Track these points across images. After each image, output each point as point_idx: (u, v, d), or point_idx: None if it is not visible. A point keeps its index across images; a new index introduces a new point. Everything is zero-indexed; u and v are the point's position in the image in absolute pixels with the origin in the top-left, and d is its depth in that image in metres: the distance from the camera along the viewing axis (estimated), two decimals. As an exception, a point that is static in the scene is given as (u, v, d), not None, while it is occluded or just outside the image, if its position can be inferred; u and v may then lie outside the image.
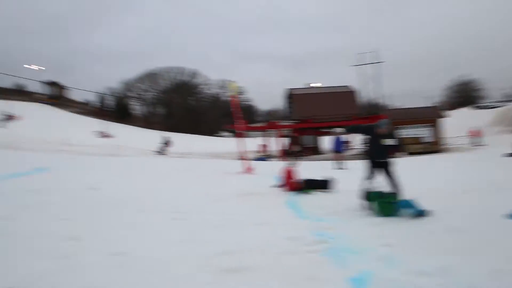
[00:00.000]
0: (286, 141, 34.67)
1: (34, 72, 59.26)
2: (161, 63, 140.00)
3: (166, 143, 27.12)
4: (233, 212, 6.23)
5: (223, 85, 79.76)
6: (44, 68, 65.03)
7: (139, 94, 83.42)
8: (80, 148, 22.50)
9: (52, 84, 70.88)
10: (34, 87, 65.45)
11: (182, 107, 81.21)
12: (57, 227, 4.65)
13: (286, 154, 27.47)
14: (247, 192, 8.21)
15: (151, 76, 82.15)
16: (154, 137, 32.95)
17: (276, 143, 32.04)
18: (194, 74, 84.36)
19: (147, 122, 74.92)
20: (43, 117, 45.31)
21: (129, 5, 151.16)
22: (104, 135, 32.66)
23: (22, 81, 63.27)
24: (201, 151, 32.29)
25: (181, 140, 36.95)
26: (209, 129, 77.41)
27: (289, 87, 40.98)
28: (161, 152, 25.97)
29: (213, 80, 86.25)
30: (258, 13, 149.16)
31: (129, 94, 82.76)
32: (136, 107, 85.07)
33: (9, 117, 28.76)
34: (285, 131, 36.02)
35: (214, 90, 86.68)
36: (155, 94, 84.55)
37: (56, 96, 70.56)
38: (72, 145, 23.47)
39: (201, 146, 36.99)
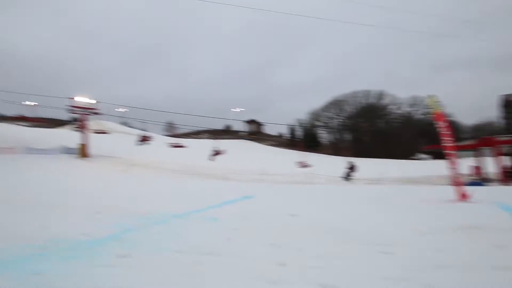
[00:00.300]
0: (506, 160, 28.50)
1: (237, 114, 74.44)
2: (346, 89, 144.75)
3: (351, 168, 27.36)
4: (455, 249, 5.00)
5: (414, 102, 73.15)
6: (244, 109, 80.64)
7: (326, 122, 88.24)
8: (277, 177, 25.45)
9: (251, 122, 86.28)
10: (237, 126, 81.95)
11: (370, 131, 79.68)
12: (265, 252, 5.01)
13: (509, 176, 23.68)
14: (468, 225, 6.61)
15: (336, 103, 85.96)
16: (342, 163, 33.28)
17: (493, 164, 27.51)
18: (380, 95, 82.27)
19: (335, 149, 77.30)
20: (244, 151, 54.77)
21: (311, 40, 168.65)
22: (303, 165, 35.78)
23: (229, 122, 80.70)
24: (394, 176, 30.01)
25: (371, 165, 35.78)
26: (403, 151, 71.52)
27: (506, 93, 33.05)
28: (347, 178, 26.38)
29: (402, 99, 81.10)
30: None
31: (317, 123, 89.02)
32: (324, 135, 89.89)
33: (217, 153, 36.10)
34: (505, 148, 28.88)
35: (404, 109, 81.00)
36: (342, 120, 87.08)
37: (254, 132, 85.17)
38: (270, 175, 26.89)
39: (393, 171, 34.46)
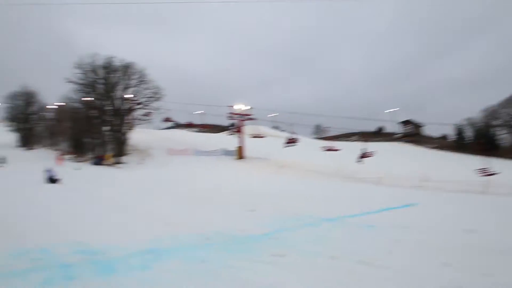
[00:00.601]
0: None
1: (391, 114, 68.95)
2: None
3: None
4: None
5: None
6: (399, 109, 74.07)
7: (507, 121, 72.20)
8: (442, 184, 22.23)
9: (407, 122, 78.45)
10: (392, 127, 76.05)
11: None
12: (435, 273, 4.32)
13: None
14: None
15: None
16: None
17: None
18: None
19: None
20: (400, 154, 50.13)
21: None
22: (486, 172, 30.34)
23: (381, 124, 75.67)
24: None
25: None
26: None
27: None
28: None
29: None
30: None
31: (494, 122, 73.86)
32: (504, 136, 73.83)
33: (364, 155, 34.26)
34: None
35: None
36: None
37: (411, 134, 77.11)
38: (433, 181, 23.72)
39: None
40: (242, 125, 39.65)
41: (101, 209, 9.85)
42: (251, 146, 38.93)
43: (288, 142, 40.64)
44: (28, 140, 46.13)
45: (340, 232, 6.96)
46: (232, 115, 39.25)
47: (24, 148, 43.42)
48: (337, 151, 34.71)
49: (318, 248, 5.77)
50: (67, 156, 32.82)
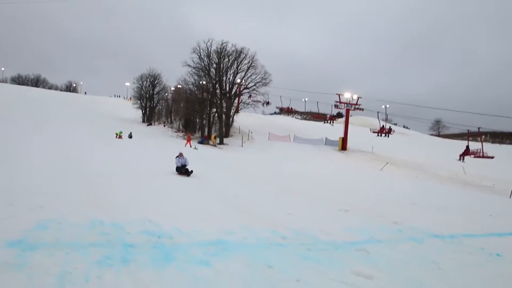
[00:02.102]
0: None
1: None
2: None
3: None
4: None
5: None
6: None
7: None
8: None
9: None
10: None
11: None
12: None
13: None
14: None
15: None
16: None
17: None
18: None
19: None
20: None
21: None
22: None
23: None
24: None
25: None
26: None
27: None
28: None
29: None
30: None
31: None
32: None
33: (467, 152, 29.73)
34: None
35: None
36: None
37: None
38: None
39: None
40: (349, 115, 37.53)
41: (183, 187, 9.99)
42: (357, 138, 36.60)
43: (378, 132, 37.53)
44: (149, 117, 52.18)
45: (450, 256, 5.44)
46: (339, 103, 37.40)
47: (145, 123, 49.21)
48: (490, 158, 30.17)
49: (419, 275, 4.50)
50: (192, 137, 35.62)
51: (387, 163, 24.64)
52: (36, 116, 31.19)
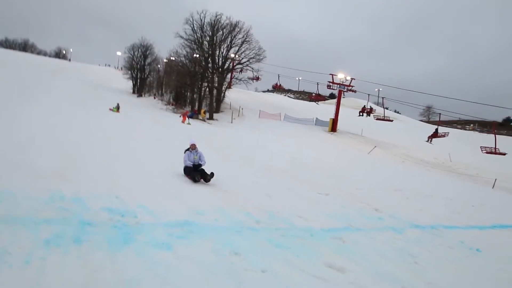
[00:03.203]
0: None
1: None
2: None
3: None
4: None
5: None
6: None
7: None
8: None
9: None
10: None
11: None
12: None
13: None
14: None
15: None
16: None
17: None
18: None
19: None
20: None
21: None
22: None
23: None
24: None
25: None
26: None
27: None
28: None
29: None
30: None
31: None
32: None
33: (436, 135, 29.82)
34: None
35: None
36: None
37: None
38: None
39: None
40: (341, 96, 37.12)
41: (161, 163, 9.58)
42: (346, 119, 36.37)
43: (361, 111, 37.60)
44: (139, 88, 50.99)
45: (429, 249, 5.21)
46: (332, 84, 36.87)
47: (135, 95, 48.11)
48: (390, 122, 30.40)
49: (394, 269, 4.25)
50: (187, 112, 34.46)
51: (375, 146, 24.53)
52: (19, 83, 29.99)
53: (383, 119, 32.59)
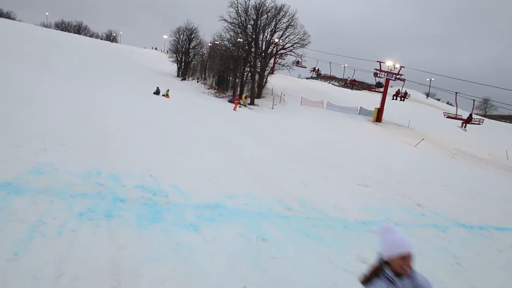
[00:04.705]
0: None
1: None
2: None
3: None
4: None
5: None
6: None
7: None
8: None
9: None
10: None
11: None
12: None
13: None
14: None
15: None
16: None
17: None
18: None
19: None
20: None
21: None
22: None
23: None
24: None
25: None
26: None
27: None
28: None
29: None
30: None
31: None
32: None
33: (469, 119, 27.24)
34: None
35: None
36: None
37: None
38: None
39: None
40: (388, 85, 35.43)
41: (200, 145, 9.67)
42: (394, 109, 34.75)
43: (395, 95, 35.52)
44: (183, 71, 52.06)
45: (476, 251, 4.79)
46: (379, 72, 35.24)
47: (179, 78, 49.19)
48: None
49: (433, 269, 3.94)
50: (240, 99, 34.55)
51: (423, 139, 23.22)
52: (72, 63, 31.75)
53: (455, 118, 30.37)
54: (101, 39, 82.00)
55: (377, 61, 35.59)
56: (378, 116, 33.15)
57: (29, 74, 18.73)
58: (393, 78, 35.27)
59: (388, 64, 35.17)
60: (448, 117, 30.79)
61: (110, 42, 74.64)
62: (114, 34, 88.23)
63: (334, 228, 4.78)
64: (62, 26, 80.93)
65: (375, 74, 35.94)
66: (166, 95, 25.81)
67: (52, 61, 29.80)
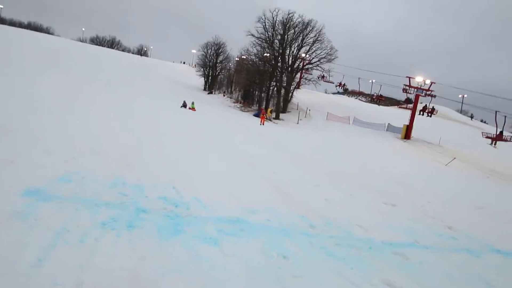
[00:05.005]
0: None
1: None
2: None
3: None
4: None
5: None
6: None
7: None
8: None
9: None
10: None
11: None
12: None
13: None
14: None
15: None
16: None
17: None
18: None
19: None
20: None
21: None
22: None
23: None
24: None
25: None
26: None
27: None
28: None
29: None
30: None
31: None
32: None
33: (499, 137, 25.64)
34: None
35: None
36: None
37: None
38: None
39: None
40: (417, 101, 34.56)
41: (225, 158, 9.71)
42: (423, 126, 33.78)
43: (422, 110, 34.37)
44: (210, 85, 53.08)
45: (514, 280, 4.48)
46: (409, 87, 34.49)
47: (206, 91, 50.14)
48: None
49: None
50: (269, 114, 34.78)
51: (454, 158, 22.32)
52: (103, 77, 33.08)
53: (494, 139, 28.95)
54: (133, 53, 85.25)
55: (406, 77, 34.84)
56: (407, 133, 32.32)
57: (65, 86, 19.64)
58: (423, 94, 34.44)
59: (418, 80, 34.40)
60: (487, 137, 29.47)
61: (139, 56, 77.37)
62: (145, 49, 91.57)
63: (359, 248, 4.61)
64: (97, 41, 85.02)
65: (404, 90, 35.21)
66: (193, 108, 26.37)
67: (86, 74, 31.18)
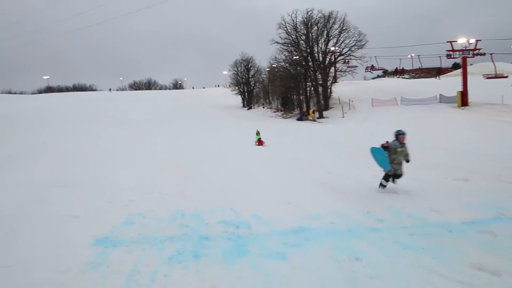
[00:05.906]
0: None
1: None
2: None
3: None
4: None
5: None
6: None
7: None
8: None
9: None
10: None
11: None
12: None
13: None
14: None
15: None
16: None
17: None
18: None
19: None
20: None
21: None
22: None
23: None
24: None
25: None
26: None
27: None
28: None
29: None
30: None
31: None
32: None
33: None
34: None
35: None
36: None
37: None
38: None
39: None
40: (466, 64, 32.10)
41: (273, 170, 9.60)
42: (480, 89, 31.26)
43: (489, 77, 31.41)
44: (248, 101, 53.75)
45: None
46: (452, 52, 32.20)
47: (246, 108, 50.81)
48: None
49: None
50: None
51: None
52: (146, 118, 34.79)
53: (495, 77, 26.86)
54: (169, 89, 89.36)
55: (447, 41, 32.59)
56: (464, 100, 30.01)
57: (111, 134, 20.93)
58: (470, 55, 31.95)
59: (461, 41, 31.99)
60: (488, 77, 27.26)
61: (176, 90, 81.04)
62: (180, 82, 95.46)
63: (437, 234, 4.24)
64: (135, 86, 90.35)
65: (448, 56, 32.97)
66: (260, 141, 15.92)
67: (129, 118, 33.04)
